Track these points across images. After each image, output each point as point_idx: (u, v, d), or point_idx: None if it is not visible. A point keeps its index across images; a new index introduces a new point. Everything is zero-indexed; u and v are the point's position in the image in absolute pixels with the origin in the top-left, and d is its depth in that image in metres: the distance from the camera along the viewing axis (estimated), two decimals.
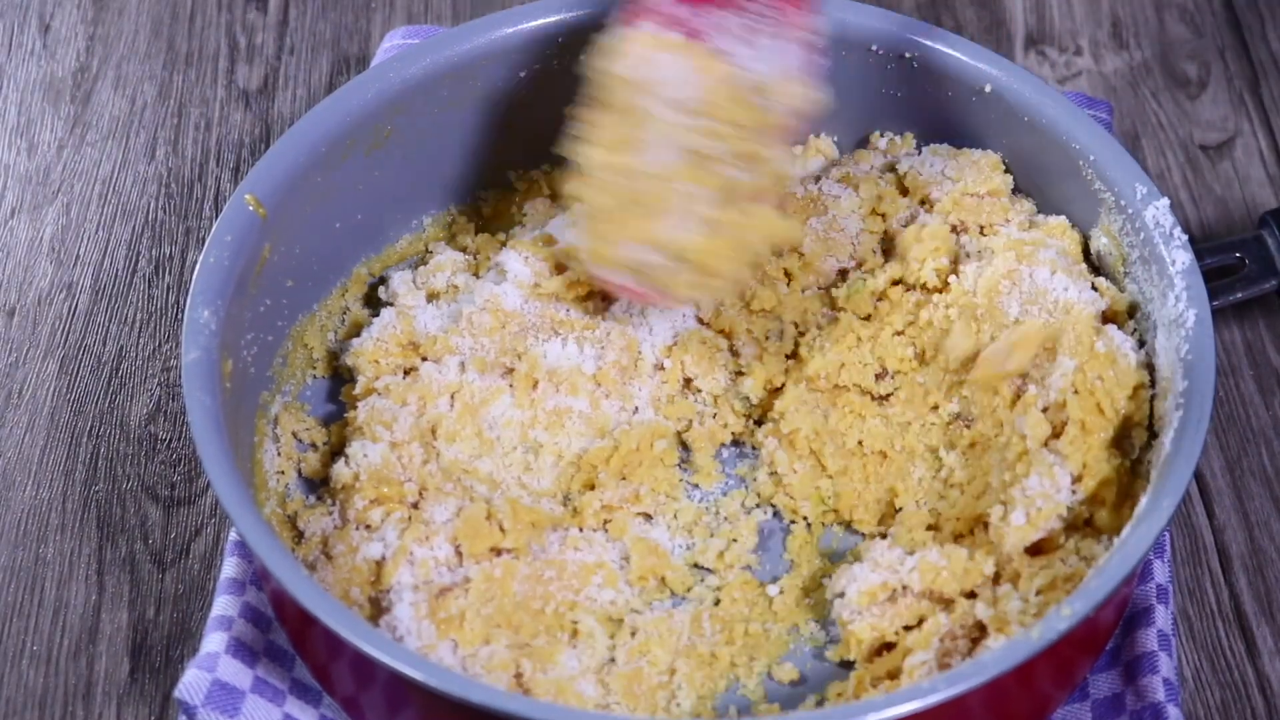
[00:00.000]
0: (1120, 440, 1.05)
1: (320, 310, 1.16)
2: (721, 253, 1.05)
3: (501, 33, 1.16)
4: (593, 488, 1.09)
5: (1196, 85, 1.36)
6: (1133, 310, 1.10)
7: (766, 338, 1.14)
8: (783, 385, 1.12)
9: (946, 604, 1.02)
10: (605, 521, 1.08)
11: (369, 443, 1.07)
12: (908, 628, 1.02)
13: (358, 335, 1.14)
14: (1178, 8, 1.40)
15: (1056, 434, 1.05)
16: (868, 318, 1.12)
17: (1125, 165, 1.09)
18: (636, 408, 1.12)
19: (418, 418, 1.08)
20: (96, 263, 1.26)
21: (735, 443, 1.14)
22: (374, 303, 1.18)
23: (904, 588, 1.02)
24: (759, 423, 1.13)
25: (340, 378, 1.15)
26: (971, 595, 1.02)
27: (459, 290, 1.15)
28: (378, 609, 1.03)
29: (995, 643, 0.98)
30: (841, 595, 1.04)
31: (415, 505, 1.06)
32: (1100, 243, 1.12)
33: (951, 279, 1.11)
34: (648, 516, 1.10)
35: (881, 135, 1.20)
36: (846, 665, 1.04)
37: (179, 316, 1.22)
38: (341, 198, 1.15)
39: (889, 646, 1.02)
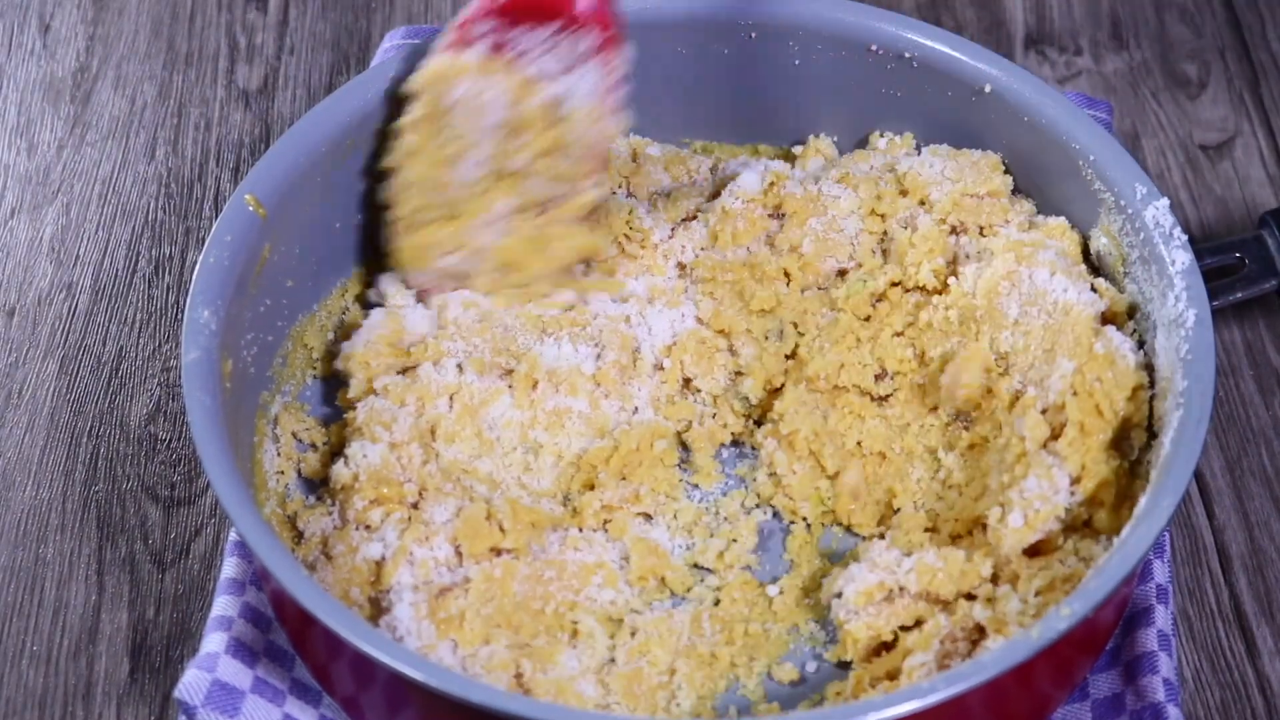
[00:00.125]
0: (1119, 441, 1.05)
1: (320, 310, 1.16)
2: (524, 254, 1.12)
3: None
4: (592, 488, 1.09)
5: (1196, 85, 1.36)
6: (1132, 311, 1.10)
7: (766, 338, 1.14)
8: (782, 385, 1.13)
9: (944, 605, 1.02)
10: (605, 522, 1.08)
11: (368, 443, 1.07)
12: (906, 628, 1.02)
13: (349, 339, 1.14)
14: (1178, 8, 1.40)
15: (1055, 435, 1.05)
16: (867, 319, 1.12)
17: (1125, 165, 1.09)
18: (636, 408, 1.12)
19: (417, 418, 1.08)
20: (96, 263, 1.26)
21: (735, 443, 1.14)
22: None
23: (901, 589, 1.02)
24: (758, 423, 1.13)
25: (340, 379, 1.15)
26: (970, 597, 1.02)
27: None
28: (377, 609, 1.03)
29: (994, 644, 0.98)
30: (839, 595, 1.04)
31: (415, 505, 1.06)
32: (1100, 243, 1.12)
33: (951, 280, 1.11)
34: (647, 516, 1.10)
35: (881, 135, 1.20)
36: (846, 666, 1.04)
37: (179, 316, 1.22)
38: (341, 198, 1.15)
39: (888, 647, 1.02)
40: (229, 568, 1.05)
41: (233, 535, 1.07)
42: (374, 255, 1.16)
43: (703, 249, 1.16)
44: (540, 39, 1.07)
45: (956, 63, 1.15)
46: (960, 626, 1.00)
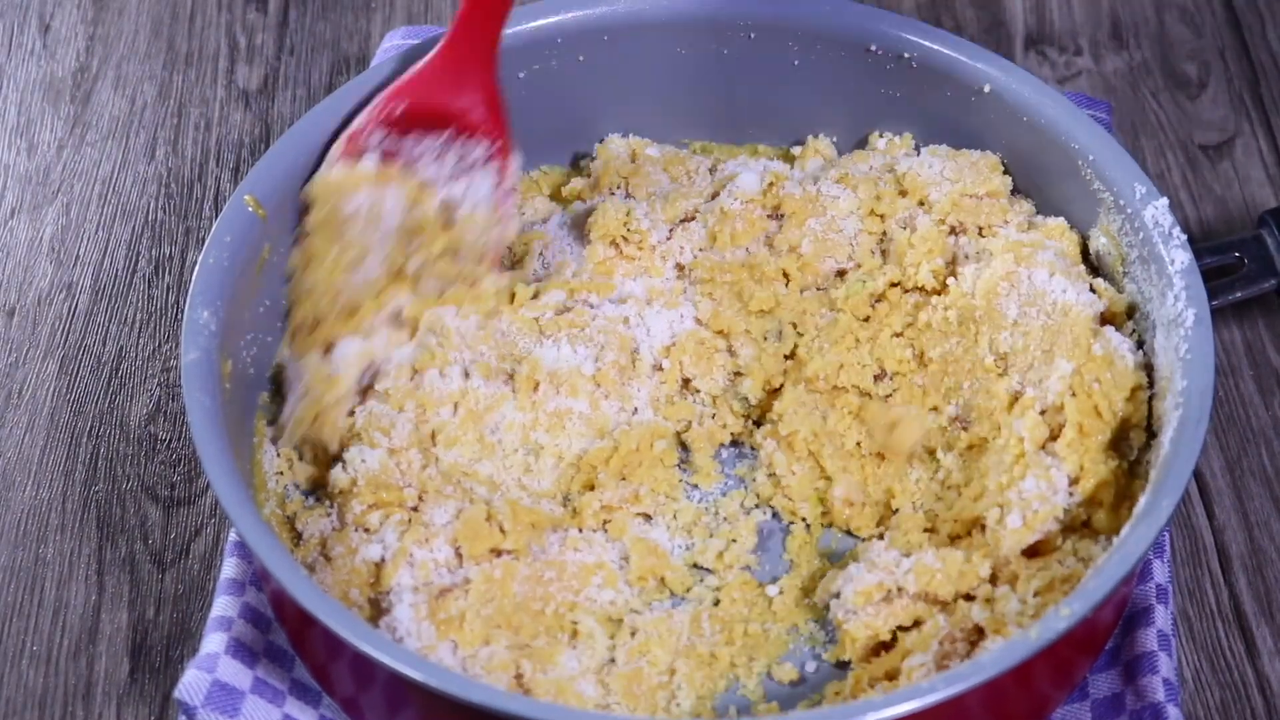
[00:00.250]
0: (1118, 442, 1.05)
1: None
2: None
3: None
4: (592, 488, 1.09)
5: (1196, 85, 1.36)
6: (1131, 311, 1.10)
7: (765, 338, 1.14)
8: (781, 386, 1.12)
9: (943, 606, 1.02)
10: (605, 522, 1.08)
11: (367, 448, 1.07)
12: (904, 629, 1.02)
13: None
14: (1178, 8, 1.40)
15: (1054, 436, 1.05)
16: (866, 319, 1.12)
17: (1124, 165, 1.09)
18: (636, 408, 1.12)
19: (417, 425, 1.08)
20: (96, 263, 1.26)
21: (734, 443, 1.14)
22: None
23: (899, 589, 1.02)
24: (758, 423, 1.13)
25: None
26: (969, 598, 1.02)
27: None
28: (377, 610, 1.03)
29: (993, 644, 0.98)
30: (837, 596, 1.04)
31: (415, 509, 1.06)
32: (1099, 243, 1.12)
33: (950, 281, 1.11)
34: (647, 517, 1.10)
35: (880, 136, 1.20)
36: (845, 666, 1.04)
37: (179, 316, 1.22)
38: None
39: (887, 647, 1.02)
40: (229, 568, 1.05)
41: (233, 535, 1.07)
42: None
43: (701, 250, 1.16)
44: (432, 146, 1.09)
45: (956, 63, 1.15)
46: (959, 627, 1.00)
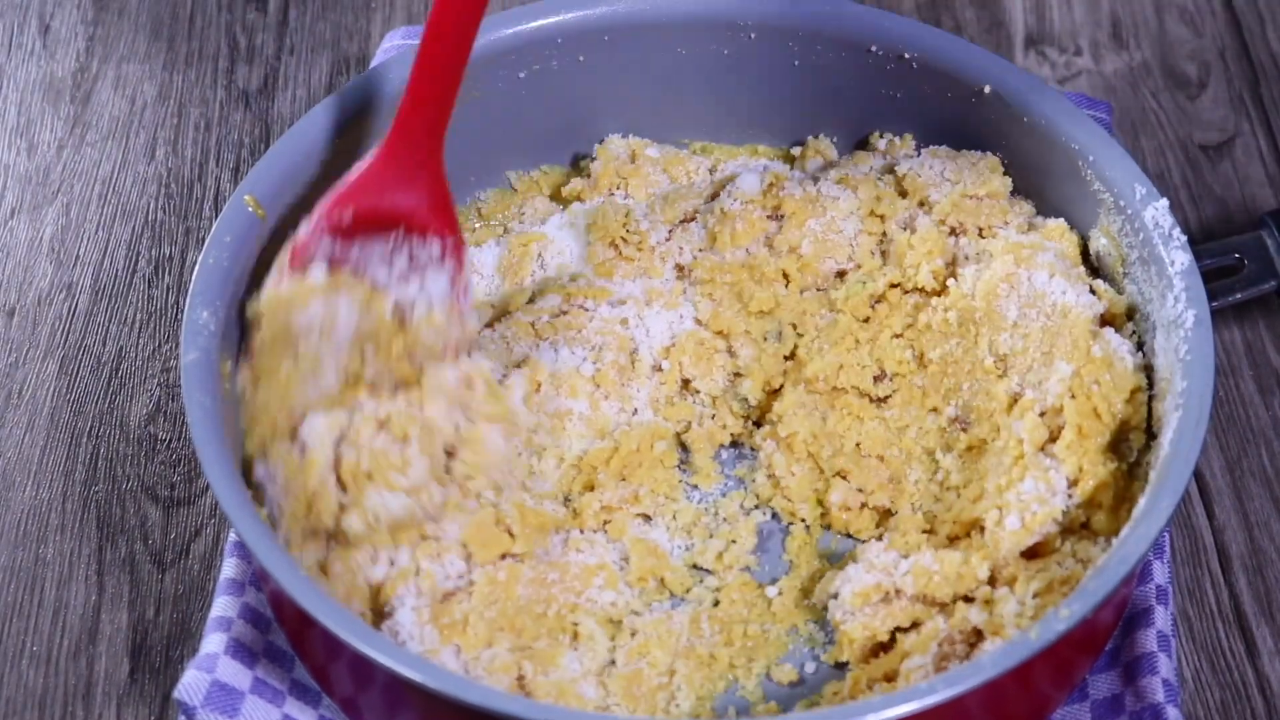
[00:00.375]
0: (1117, 444, 1.05)
1: None
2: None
3: (501, 33, 1.16)
4: (592, 489, 1.09)
5: (1196, 85, 1.36)
6: (1131, 313, 1.10)
7: (765, 339, 1.14)
8: (781, 387, 1.12)
9: (941, 607, 1.02)
10: (605, 522, 1.08)
11: (385, 491, 1.02)
12: (903, 630, 1.02)
13: None
14: (1178, 8, 1.40)
15: (1053, 438, 1.05)
16: (866, 320, 1.12)
17: (1124, 166, 1.09)
18: (635, 409, 1.12)
19: (431, 457, 1.04)
20: (96, 263, 1.26)
21: (734, 444, 1.14)
22: None
23: (897, 590, 1.02)
24: (758, 424, 1.13)
25: None
26: (968, 599, 1.02)
27: None
28: (379, 614, 1.02)
29: (993, 646, 0.98)
30: (836, 596, 1.04)
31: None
32: (1099, 243, 1.12)
33: (950, 282, 1.11)
34: (647, 517, 1.10)
35: (880, 136, 1.20)
36: (844, 667, 1.04)
37: (179, 316, 1.22)
38: None
39: (885, 649, 1.02)
40: (229, 568, 1.05)
41: (232, 536, 1.07)
42: None
43: (701, 250, 1.16)
44: (381, 249, 1.04)
45: (956, 63, 1.15)
46: (958, 629, 1.00)
